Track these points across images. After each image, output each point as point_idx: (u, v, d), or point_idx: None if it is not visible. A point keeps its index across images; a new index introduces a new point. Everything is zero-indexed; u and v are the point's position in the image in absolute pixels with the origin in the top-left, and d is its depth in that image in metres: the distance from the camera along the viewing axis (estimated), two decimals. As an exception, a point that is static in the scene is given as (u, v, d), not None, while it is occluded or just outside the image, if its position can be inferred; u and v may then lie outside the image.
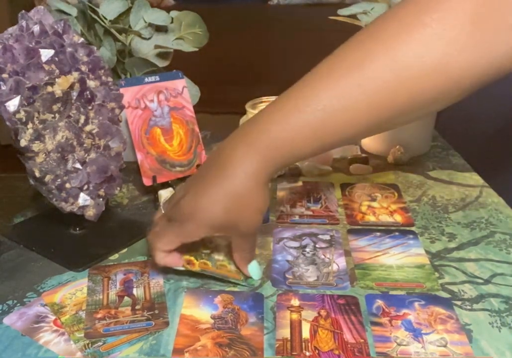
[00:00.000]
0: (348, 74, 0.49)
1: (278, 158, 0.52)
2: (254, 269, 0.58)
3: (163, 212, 0.58)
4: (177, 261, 0.58)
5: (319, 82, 0.50)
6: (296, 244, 0.66)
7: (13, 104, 0.57)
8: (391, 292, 0.57)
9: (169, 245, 0.56)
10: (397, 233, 0.68)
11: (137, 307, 0.55)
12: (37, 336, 0.51)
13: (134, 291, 0.58)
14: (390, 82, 0.48)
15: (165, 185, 0.77)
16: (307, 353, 0.49)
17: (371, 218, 0.71)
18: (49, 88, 0.59)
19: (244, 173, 0.52)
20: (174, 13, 0.86)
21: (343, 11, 0.83)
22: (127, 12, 0.84)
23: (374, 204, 0.75)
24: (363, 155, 0.88)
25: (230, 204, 0.52)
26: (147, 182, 0.75)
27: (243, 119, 0.91)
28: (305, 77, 0.52)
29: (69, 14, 0.82)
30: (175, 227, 0.55)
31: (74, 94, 0.62)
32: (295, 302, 0.55)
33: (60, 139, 0.61)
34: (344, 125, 0.50)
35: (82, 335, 0.51)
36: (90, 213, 0.65)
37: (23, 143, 0.58)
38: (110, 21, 0.82)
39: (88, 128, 0.64)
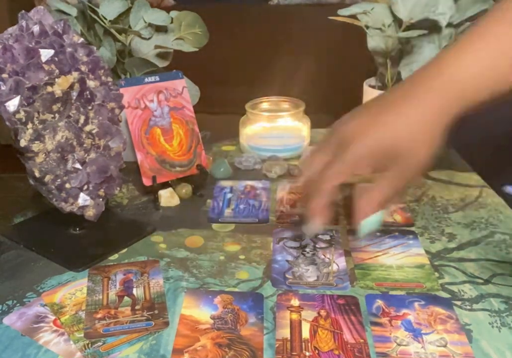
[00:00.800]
0: None
1: (459, 100, 0.51)
2: (371, 222, 0.54)
3: (327, 138, 0.55)
4: (323, 217, 0.55)
5: (501, 21, 0.51)
6: (296, 244, 0.66)
7: (13, 104, 0.57)
8: (391, 292, 0.57)
9: (337, 177, 0.53)
10: (397, 233, 0.68)
11: (137, 307, 0.55)
12: (37, 336, 0.51)
13: (134, 291, 0.58)
14: None
15: (165, 185, 0.77)
16: (307, 353, 0.49)
17: (371, 218, 0.71)
18: (49, 88, 0.59)
19: (426, 107, 0.51)
20: (174, 13, 0.86)
21: (343, 11, 0.83)
22: (127, 12, 0.83)
23: (374, 204, 0.75)
24: (363, 155, 0.88)
25: (407, 128, 0.51)
26: (147, 182, 0.75)
27: (243, 119, 0.91)
28: (479, 22, 0.53)
29: (69, 14, 0.82)
30: (341, 154, 0.52)
31: (74, 94, 0.62)
32: (295, 302, 0.55)
33: (60, 139, 0.61)
34: None
35: (82, 335, 0.51)
36: (90, 213, 0.65)
37: (23, 143, 0.58)
38: (110, 21, 0.82)
39: (88, 128, 0.64)
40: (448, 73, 0.52)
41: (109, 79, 0.65)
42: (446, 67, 0.52)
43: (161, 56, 0.87)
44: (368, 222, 0.54)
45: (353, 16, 0.83)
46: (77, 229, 0.68)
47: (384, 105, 0.53)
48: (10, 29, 0.59)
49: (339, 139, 0.54)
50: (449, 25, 0.79)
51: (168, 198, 0.76)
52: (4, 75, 0.57)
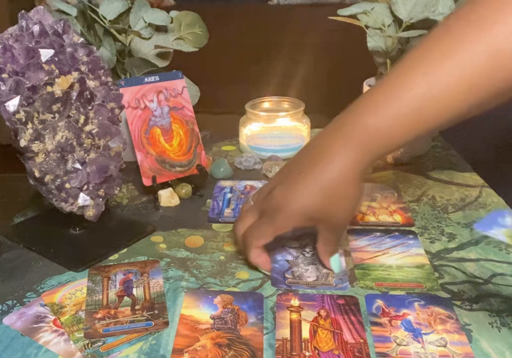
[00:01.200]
0: (443, 60, 0.48)
1: (374, 150, 0.52)
2: (335, 262, 0.59)
3: (252, 203, 0.59)
4: (267, 264, 0.60)
5: (414, 70, 0.50)
6: (296, 244, 0.66)
7: (12, 104, 0.57)
8: (391, 292, 0.57)
9: (263, 238, 0.57)
10: (397, 233, 0.68)
11: (137, 307, 0.55)
12: (36, 336, 0.51)
13: (134, 291, 0.58)
14: (486, 65, 0.47)
15: (164, 185, 0.77)
16: (307, 353, 0.49)
17: (371, 218, 0.71)
18: (49, 88, 0.59)
19: (340, 166, 0.52)
20: (174, 13, 0.86)
21: (343, 11, 0.83)
22: (127, 12, 0.84)
23: (374, 204, 0.75)
24: (363, 155, 0.88)
25: (323, 196, 0.53)
26: (146, 182, 0.75)
27: (243, 119, 0.91)
28: (396, 66, 0.51)
29: (69, 14, 0.82)
30: (267, 218, 0.56)
31: (74, 94, 0.62)
32: (295, 302, 0.55)
33: (60, 139, 0.61)
34: (441, 110, 0.49)
35: (82, 335, 0.51)
36: (90, 213, 0.65)
37: (23, 143, 0.58)
38: (110, 21, 0.82)
39: (88, 128, 0.64)
40: (363, 124, 0.51)
41: (109, 79, 0.65)
42: (361, 118, 0.52)
43: (161, 56, 0.87)
44: (335, 261, 0.60)
45: (353, 16, 0.83)
46: (77, 229, 0.68)
47: (303, 167, 0.55)
48: (10, 29, 0.59)
49: (264, 206, 0.57)
50: (449, 25, 0.79)
51: (168, 198, 0.76)
52: (4, 75, 0.57)
